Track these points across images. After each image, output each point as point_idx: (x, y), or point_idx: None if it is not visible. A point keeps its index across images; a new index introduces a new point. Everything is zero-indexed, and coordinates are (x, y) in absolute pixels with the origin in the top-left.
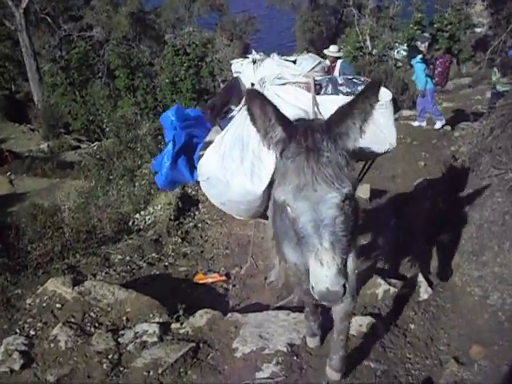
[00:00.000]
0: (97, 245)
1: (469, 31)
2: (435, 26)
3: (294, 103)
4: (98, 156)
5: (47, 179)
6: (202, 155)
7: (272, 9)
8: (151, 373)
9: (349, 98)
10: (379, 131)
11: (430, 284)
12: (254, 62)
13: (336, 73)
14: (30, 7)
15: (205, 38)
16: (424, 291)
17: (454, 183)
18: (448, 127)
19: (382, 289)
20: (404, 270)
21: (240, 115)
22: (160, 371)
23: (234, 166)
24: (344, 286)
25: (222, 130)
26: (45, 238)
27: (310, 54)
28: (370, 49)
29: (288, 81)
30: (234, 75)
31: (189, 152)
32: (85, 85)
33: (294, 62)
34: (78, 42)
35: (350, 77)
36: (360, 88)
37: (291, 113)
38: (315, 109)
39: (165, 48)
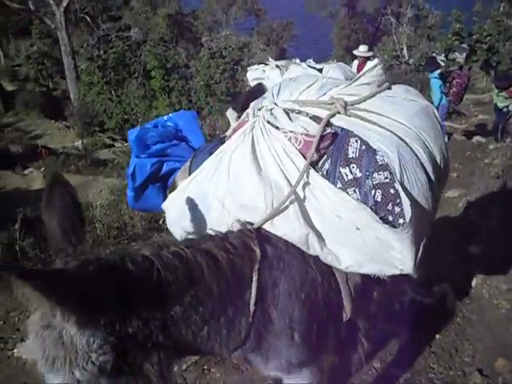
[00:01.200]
0: (127, 241)
1: (508, 43)
2: (474, 37)
3: (276, 175)
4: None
5: (80, 176)
6: (173, 189)
7: (310, 15)
8: (175, 368)
9: (345, 197)
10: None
11: (457, 295)
12: (278, 67)
13: None
14: (71, 6)
15: (241, 41)
16: (451, 302)
17: (487, 195)
18: (482, 139)
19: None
20: (432, 280)
21: (210, 163)
22: (184, 367)
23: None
24: None
25: (193, 167)
26: None
27: (338, 62)
28: (406, 58)
29: (301, 109)
30: (251, 83)
31: (162, 178)
32: (121, 84)
33: (321, 70)
34: (115, 41)
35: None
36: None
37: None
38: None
39: (201, 50)
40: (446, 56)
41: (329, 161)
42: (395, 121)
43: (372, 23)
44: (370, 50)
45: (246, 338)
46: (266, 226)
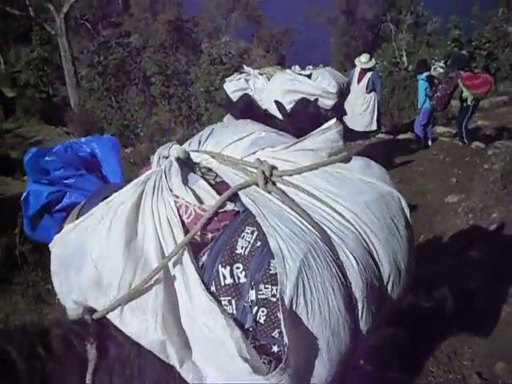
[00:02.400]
0: None
1: (507, 50)
2: (473, 43)
3: (150, 248)
4: (131, 160)
5: None
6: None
7: (309, 22)
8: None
9: (215, 309)
10: None
11: (457, 299)
12: (262, 74)
13: (363, 84)
14: (71, 13)
15: (241, 48)
16: (450, 306)
17: (486, 200)
18: (482, 145)
19: (408, 301)
20: (431, 283)
21: (99, 210)
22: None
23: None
24: None
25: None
26: None
27: (327, 67)
28: (406, 64)
29: (213, 168)
30: (232, 95)
31: (62, 211)
32: (121, 90)
33: (309, 76)
34: (115, 48)
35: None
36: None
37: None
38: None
39: (201, 57)
40: (445, 63)
41: (208, 252)
42: (332, 209)
43: (371, 30)
44: (371, 58)
45: None
46: (112, 318)
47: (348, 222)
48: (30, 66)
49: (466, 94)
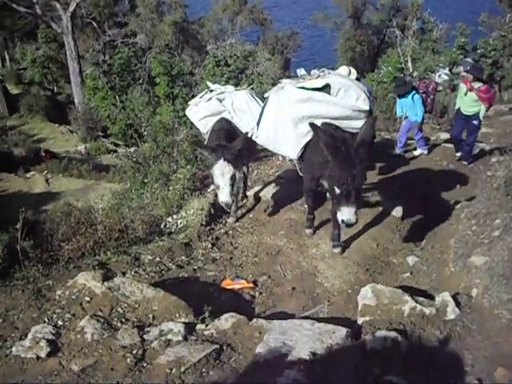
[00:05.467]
0: (128, 244)
1: None
2: (478, 51)
3: None
4: (134, 159)
5: (82, 180)
6: None
7: (315, 26)
8: (174, 370)
9: None
10: None
11: (458, 304)
12: (239, 90)
13: None
14: (77, 11)
15: (246, 50)
16: (451, 311)
17: (489, 207)
18: (487, 146)
19: (408, 306)
20: (432, 289)
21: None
22: (182, 370)
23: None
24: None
25: None
26: (78, 234)
27: (340, 72)
28: (411, 70)
29: None
30: (200, 123)
31: None
32: (125, 90)
33: (322, 89)
34: (121, 47)
35: None
36: None
37: None
38: None
39: (206, 58)
40: (450, 70)
41: None
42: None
43: (377, 35)
44: (350, 72)
45: None
46: None
47: None
48: (36, 64)
49: (478, 108)
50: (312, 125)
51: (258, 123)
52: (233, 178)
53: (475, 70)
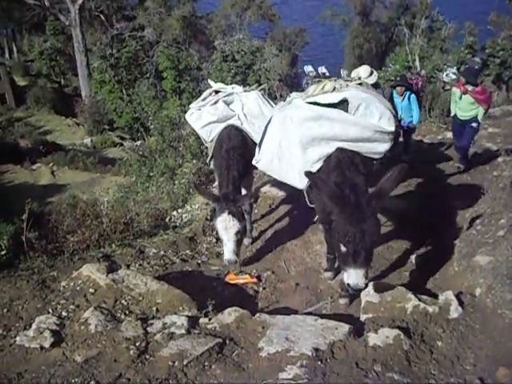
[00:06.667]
0: (133, 237)
1: None
2: (487, 51)
3: None
4: (140, 152)
5: (88, 173)
6: None
7: (323, 23)
8: (176, 363)
9: None
10: None
11: (461, 303)
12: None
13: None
14: (86, 4)
15: (254, 46)
16: (454, 310)
17: (494, 206)
18: (494, 146)
19: (411, 304)
20: (436, 287)
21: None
22: (185, 362)
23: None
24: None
25: None
26: (83, 226)
27: (359, 82)
28: (418, 69)
29: None
30: (202, 130)
31: None
32: (132, 84)
33: (336, 105)
34: (129, 41)
35: None
36: None
37: None
38: None
39: (214, 53)
40: (458, 69)
41: None
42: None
43: (385, 33)
44: (372, 73)
45: None
46: None
47: None
48: (43, 56)
49: (475, 111)
50: (307, 173)
51: (260, 145)
52: (238, 233)
53: (469, 73)
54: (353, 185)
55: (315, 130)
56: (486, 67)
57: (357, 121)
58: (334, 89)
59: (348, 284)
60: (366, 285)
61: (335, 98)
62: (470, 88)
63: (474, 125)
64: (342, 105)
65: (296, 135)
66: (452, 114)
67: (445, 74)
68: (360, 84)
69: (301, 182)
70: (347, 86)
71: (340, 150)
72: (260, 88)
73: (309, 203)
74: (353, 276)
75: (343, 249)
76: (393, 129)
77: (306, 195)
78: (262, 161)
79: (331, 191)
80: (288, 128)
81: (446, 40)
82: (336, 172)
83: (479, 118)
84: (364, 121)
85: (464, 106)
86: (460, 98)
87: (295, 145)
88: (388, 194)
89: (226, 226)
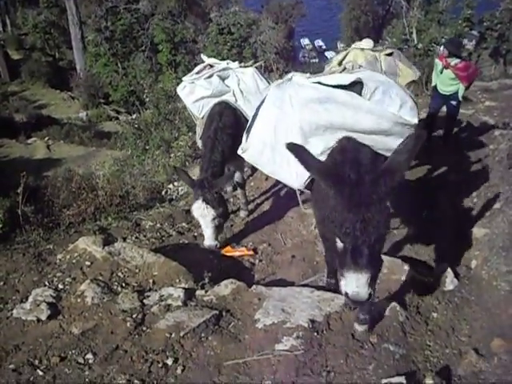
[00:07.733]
0: (129, 210)
1: None
2: (485, 24)
3: None
4: (136, 126)
5: (84, 147)
6: None
7: None
8: (173, 335)
9: None
10: None
11: (457, 275)
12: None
13: None
14: None
15: (250, 18)
16: (450, 282)
17: (491, 179)
18: (491, 120)
19: (408, 276)
20: (432, 260)
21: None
22: (181, 334)
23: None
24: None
25: None
26: (79, 200)
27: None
28: (415, 42)
29: None
30: (193, 105)
31: None
32: (127, 57)
33: (346, 87)
34: (123, 13)
35: None
36: None
37: None
38: None
39: (209, 26)
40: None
41: None
42: None
43: (382, 6)
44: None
45: None
46: None
47: None
48: (37, 29)
49: (456, 86)
50: (289, 145)
51: (248, 130)
52: (214, 219)
53: (451, 44)
54: (355, 160)
55: (320, 116)
56: (483, 40)
57: (373, 108)
58: (344, 69)
59: (346, 293)
60: (370, 296)
61: (346, 78)
62: (453, 62)
63: (454, 102)
64: (355, 87)
65: (296, 121)
66: (433, 85)
67: (442, 47)
68: (390, 54)
69: (298, 181)
70: (359, 67)
71: (346, 138)
72: (257, 65)
73: (302, 208)
74: (352, 282)
75: (339, 245)
76: (416, 121)
77: (299, 198)
78: (250, 151)
79: (323, 166)
80: (286, 111)
81: (443, 13)
82: (338, 155)
83: (459, 95)
84: (381, 108)
85: (444, 80)
86: (441, 71)
87: (295, 132)
88: (402, 169)
89: (201, 213)
